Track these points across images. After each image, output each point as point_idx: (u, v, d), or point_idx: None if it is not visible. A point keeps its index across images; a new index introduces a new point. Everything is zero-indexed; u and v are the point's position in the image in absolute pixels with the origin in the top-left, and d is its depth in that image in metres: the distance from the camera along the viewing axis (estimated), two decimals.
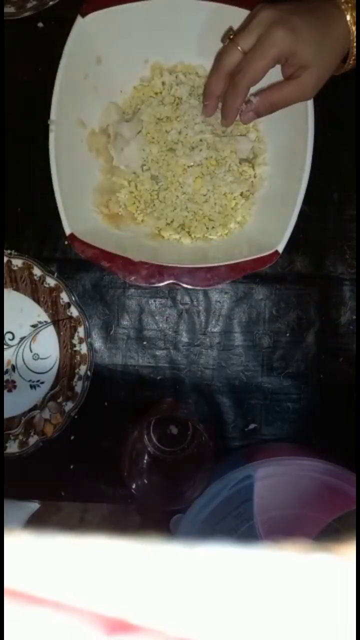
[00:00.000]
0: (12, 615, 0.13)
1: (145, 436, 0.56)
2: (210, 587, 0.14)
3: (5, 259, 0.56)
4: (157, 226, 0.54)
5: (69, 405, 0.56)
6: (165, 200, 0.54)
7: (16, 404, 0.56)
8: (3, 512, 0.51)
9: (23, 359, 0.57)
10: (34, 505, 0.56)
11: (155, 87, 0.55)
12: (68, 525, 0.57)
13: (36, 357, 0.56)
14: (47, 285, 0.56)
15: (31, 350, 0.56)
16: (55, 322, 0.56)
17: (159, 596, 0.14)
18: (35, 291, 0.56)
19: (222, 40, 0.51)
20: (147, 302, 0.57)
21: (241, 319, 0.57)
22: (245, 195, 0.54)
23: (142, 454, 0.54)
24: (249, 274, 0.50)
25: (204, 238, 0.54)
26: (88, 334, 0.56)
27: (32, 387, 0.57)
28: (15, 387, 0.57)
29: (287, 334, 0.57)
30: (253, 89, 0.47)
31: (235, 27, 0.49)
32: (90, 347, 0.56)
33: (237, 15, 0.49)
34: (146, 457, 0.54)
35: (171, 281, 0.49)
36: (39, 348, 0.56)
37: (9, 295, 0.56)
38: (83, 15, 0.49)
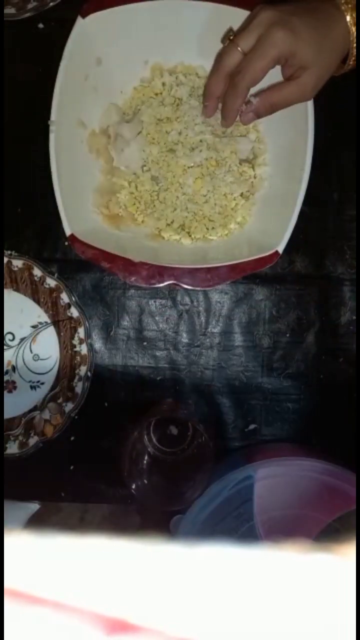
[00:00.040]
0: (12, 615, 0.13)
1: (145, 436, 0.56)
2: (210, 587, 0.14)
3: (6, 259, 0.56)
4: (157, 227, 0.54)
5: (69, 406, 0.56)
6: (166, 201, 0.54)
7: (16, 404, 0.56)
8: (3, 512, 0.51)
9: (23, 360, 0.57)
10: (34, 506, 0.56)
11: (155, 88, 0.55)
12: (68, 525, 0.57)
13: (36, 357, 0.56)
14: (47, 286, 0.56)
15: (31, 351, 0.56)
16: (56, 322, 0.56)
17: (159, 596, 0.14)
18: (35, 292, 0.56)
19: (222, 41, 0.51)
20: (147, 302, 0.57)
21: (241, 319, 0.57)
22: (245, 196, 0.54)
23: (142, 454, 0.54)
24: (249, 275, 0.50)
25: (204, 239, 0.54)
26: (88, 334, 0.56)
27: (32, 387, 0.57)
28: (15, 387, 0.57)
29: (287, 334, 0.57)
30: (253, 90, 0.47)
31: (235, 27, 0.49)
32: (91, 347, 0.56)
33: (237, 16, 0.49)
34: (146, 458, 0.54)
35: (171, 282, 0.49)
36: (39, 349, 0.56)
37: (9, 295, 0.56)
38: (83, 16, 0.49)
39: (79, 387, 0.56)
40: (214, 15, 0.50)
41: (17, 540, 0.15)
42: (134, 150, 0.53)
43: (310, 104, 0.48)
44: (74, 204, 0.50)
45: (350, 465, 0.47)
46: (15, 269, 0.56)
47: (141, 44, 0.53)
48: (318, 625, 0.13)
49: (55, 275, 0.56)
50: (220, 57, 0.47)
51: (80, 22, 0.49)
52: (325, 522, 0.47)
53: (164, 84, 0.54)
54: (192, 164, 0.53)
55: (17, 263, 0.56)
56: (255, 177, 0.55)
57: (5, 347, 0.57)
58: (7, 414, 0.56)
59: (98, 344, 0.57)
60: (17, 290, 0.56)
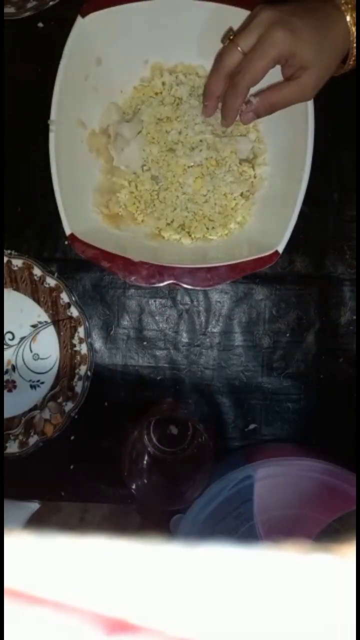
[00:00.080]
0: (12, 615, 0.13)
1: (145, 436, 0.56)
2: (210, 587, 0.14)
3: (5, 259, 0.56)
4: (157, 226, 0.54)
5: (69, 406, 0.56)
6: (166, 201, 0.54)
7: (16, 404, 0.56)
8: (3, 512, 0.51)
9: (23, 359, 0.57)
10: (34, 505, 0.56)
11: (155, 88, 0.55)
12: (68, 525, 0.57)
13: (36, 357, 0.56)
14: (47, 286, 0.56)
15: (31, 351, 0.56)
16: (56, 322, 0.56)
17: (159, 596, 0.14)
18: (35, 291, 0.56)
19: (222, 40, 0.51)
20: (147, 302, 0.57)
21: (241, 319, 0.57)
22: (245, 196, 0.54)
23: (142, 454, 0.54)
24: (249, 274, 0.50)
25: (204, 238, 0.54)
26: (88, 334, 0.56)
27: (32, 387, 0.57)
28: (15, 387, 0.57)
29: (287, 334, 0.57)
30: (253, 90, 0.47)
31: (235, 27, 0.49)
32: (91, 347, 0.56)
33: (237, 16, 0.49)
34: (146, 457, 0.54)
35: (171, 281, 0.49)
36: (39, 348, 0.56)
37: (9, 295, 0.56)
38: (83, 16, 0.49)
39: (79, 387, 0.56)
40: (214, 15, 0.50)
41: (17, 540, 0.15)
42: (134, 149, 0.53)
43: (310, 104, 0.48)
44: (74, 204, 0.50)
45: (350, 465, 0.47)
46: (15, 268, 0.56)
47: (141, 44, 0.53)
48: (318, 625, 0.13)
49: (55, 274, 0.56)
50: (220, 57, 0.47)
51: (80, 21, 0.49)
52: (325, 522, 0.47)
53: (164, 84, 0.54)
54: (192, 164, 0.53)
55: (17, 262, 0.56)
56: (255, 177, 0.55)
57: (5, 347, 0.57)
58: (7, 413, 0.56)
59: (98, 344, 0.57)
60: (17, 289, 0.56)
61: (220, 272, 0.49)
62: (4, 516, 0.51)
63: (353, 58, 0.46)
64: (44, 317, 0.56)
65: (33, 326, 0.56)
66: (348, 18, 0.45)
